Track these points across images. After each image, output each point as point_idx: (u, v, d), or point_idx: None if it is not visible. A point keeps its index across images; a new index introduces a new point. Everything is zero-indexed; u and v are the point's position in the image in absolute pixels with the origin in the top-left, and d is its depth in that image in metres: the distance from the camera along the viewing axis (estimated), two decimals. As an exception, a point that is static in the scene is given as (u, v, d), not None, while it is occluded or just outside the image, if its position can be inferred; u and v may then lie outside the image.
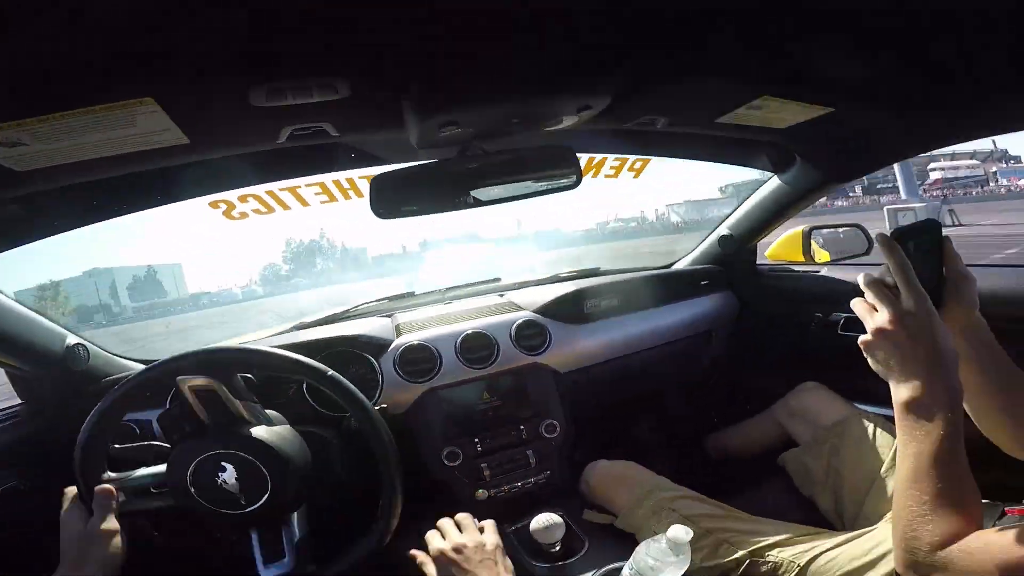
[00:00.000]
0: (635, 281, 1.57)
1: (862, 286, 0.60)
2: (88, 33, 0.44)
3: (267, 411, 0.97)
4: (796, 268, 1.56)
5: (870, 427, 1.10)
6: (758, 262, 1.66)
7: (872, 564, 0.79)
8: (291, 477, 0.85)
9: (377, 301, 1.60)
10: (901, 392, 0.58)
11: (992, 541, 0.50)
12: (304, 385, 1.20)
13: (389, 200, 0.88)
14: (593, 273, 1.66)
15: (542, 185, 0.95)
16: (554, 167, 0.93)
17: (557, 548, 1.02)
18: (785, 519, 0.98)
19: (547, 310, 1.42)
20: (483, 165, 0.88)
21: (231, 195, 1.01)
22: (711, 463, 1.57)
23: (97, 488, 0.80)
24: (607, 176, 1.22)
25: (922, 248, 0.60)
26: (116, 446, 0.92)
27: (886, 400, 1.24)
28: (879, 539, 0.83)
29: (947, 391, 0.55)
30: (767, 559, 0.89)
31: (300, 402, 1.20)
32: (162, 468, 0.86)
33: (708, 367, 1.70)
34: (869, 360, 0.61)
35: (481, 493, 1.22)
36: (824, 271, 1.47)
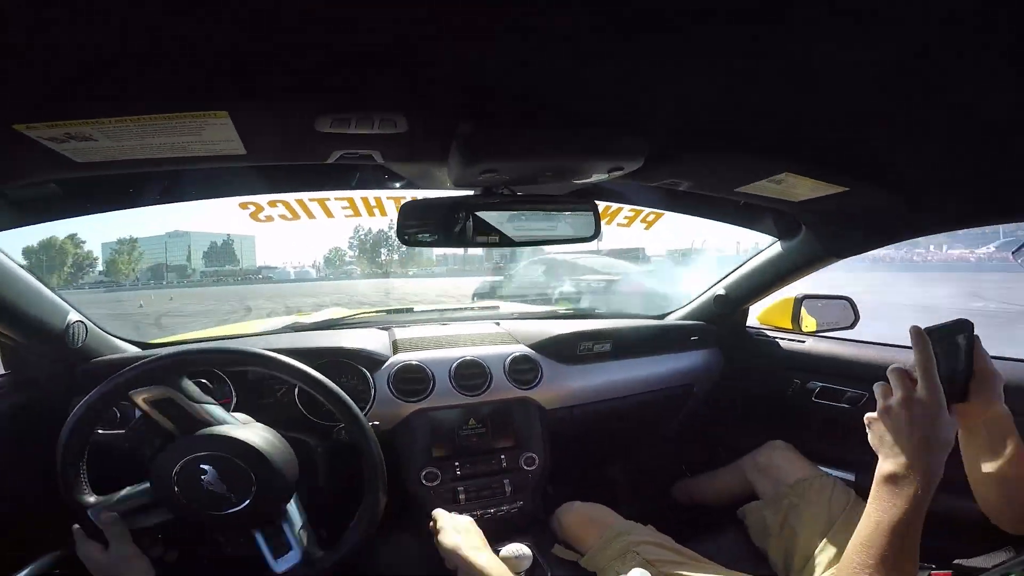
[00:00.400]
0: (629, 328, 1.60)
1: (888, 372, 0.66)
2: (180, 42, 0.46)
3: (237, 413, 0.99)
4: (782, 334, 1.61)
5: (828, 490, 1.16)
6: (748, 324, 1.71)
7: None
8: (272, 468, 0.87)
9: (376, 312, 1.60)
10: (886, 465, 0.64)
11: None
12: (296, 391, 1.19)
13: (413, 227, 0.89)
14: (589, 314, 1.69)
15: (561, 234, 0.98)
16: (575, 218, 0.95)
17: None
18: (739, 569, 1.03)
19: (542, 347, 1.44)
20: (507, 209, 0.90)
21: (261, 199, 1.02)
22: (677, 509, 1.60)
23: (102, 516, 0.82)
24: (620, 225, 1.26)
25: (953, 345, 0.67)
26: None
27: (846, 466, 1.29)
28: None
29: (926, 475, 0.61)
30: None
31: (289, 407, 1.19)
32: (146, 484, 0.86)
33: (685, 418, 1.74)
34: (869, 433, 0.68)
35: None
36: (809, 341, 1.52)
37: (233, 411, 1.11)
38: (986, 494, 0.73)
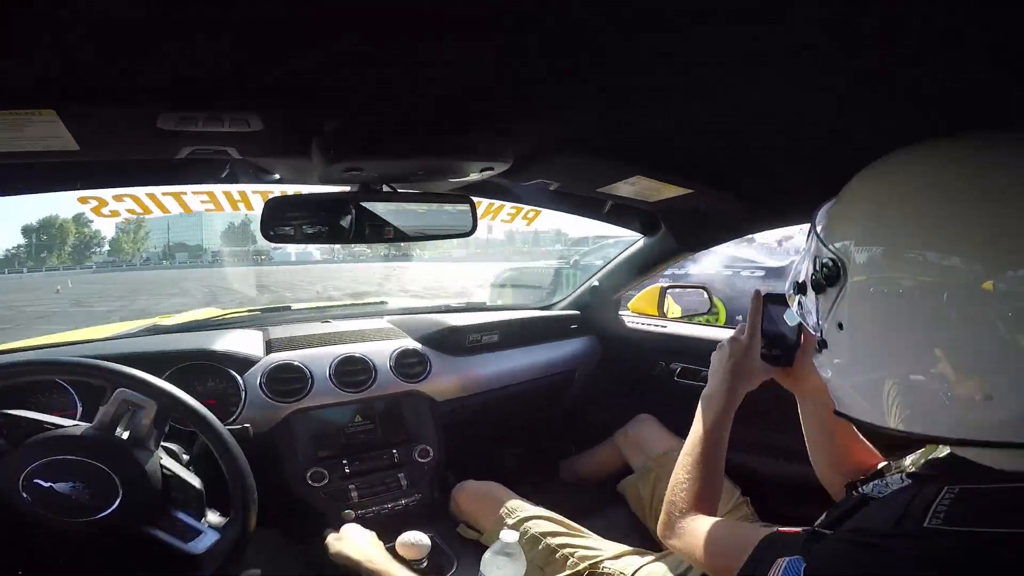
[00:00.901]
0: (515, 319, 1.66)
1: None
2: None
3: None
4: (650, 321, 1.78)
5: None
6: (620, 312, 1.86)
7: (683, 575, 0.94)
8: (134, 462, 0.81)
9: (248, 312, 1.49)
10: (706, 388, 0.81)
11: (711, 527, 0.68)
12: None
13: (280, 224, 0.86)
14: (477, 307, 1.73)
15: (438, 229, 0.99)
16: (452, 214, 0.98)
17: (424, 565, 1.05)
18: (628, 542, 1.11)
19: (431, 340, 1.45)
20: (382, 205, 0.90)
21: (105, 193, 0.91)
22: (568, 487, 1.70)
23: None
24: (503, 221, 1.31)
25: (780, 311, 0.79)
26: None
27: None
28: (677, 558, 0.98)
29: (727, 396, 0.78)
30: (603, 570, 1.01)
31: None
32: None
33: (570, 401, 1.85)
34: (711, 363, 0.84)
35: (347, 514, 1.20)
36: (671, 326, 1.70)
37: (79, 421, 1.01)
38: (816, 459, 0.84)
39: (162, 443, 0.91)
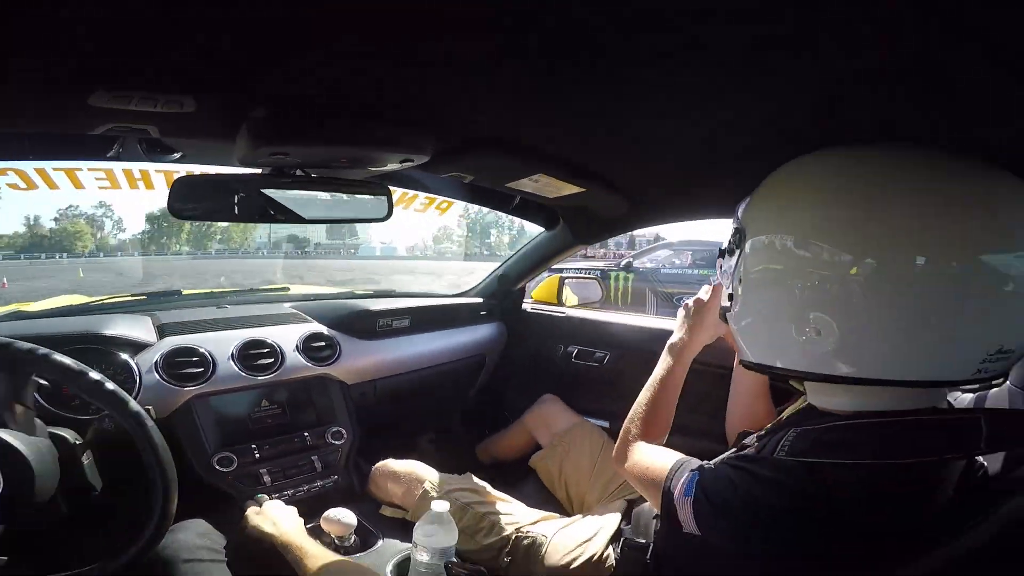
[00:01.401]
0: (425, 305, 1.72)
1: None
2: None
3: None
4: (550, 308, 1.94)
5: (590, 435, 1.42)
6: (525, 300, 2.00)
7: (593, 536, 1.06)
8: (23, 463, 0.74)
9: (131, 297, 1.38)
10: (672, 336, 0.97)
11: (650, 451, 0.84)
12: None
13: (190, 203, 0.84)
14: (389, 294, 1.76)
15: (354, 215, 1.03)
16: (368, 199, 1.01)
17: (351, 542, 1.07)
18: (538, 507, 1.22)
19: (339, 323, 1.46)
20: (297, 188, 0.92)
21: None
22: (482, 468, 1.78)
23: None
24: (416, 210, 1.36)
25: None
26: None
27: (602, 415, 1.61)
28: (599, 519, 1.12)
29: (687, 347, 0.95)
30: (527, 535, 1.10)
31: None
32: None
33: (481, 385, 1.95)
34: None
35: (261, 497, 1.17)
36: (568, 312, 1.87)
37: None
38: (732, 417, 1.01)
39: (51, 430, 0.85)
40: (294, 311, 1.47)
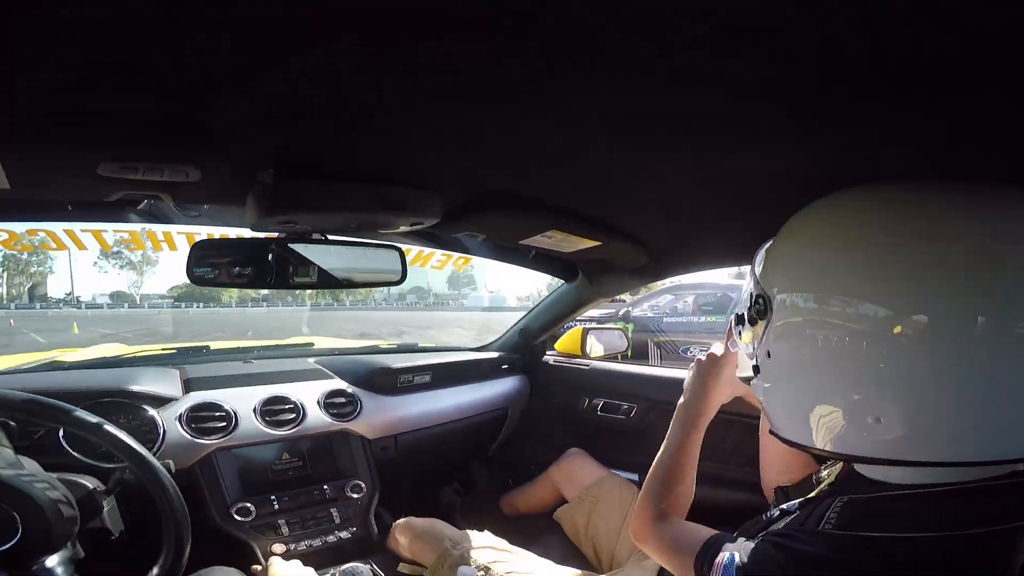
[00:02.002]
0: (447, 359, 1.70)
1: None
2: None
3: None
4: (573, 360, 1.89)
5: (618, 488, 1.36)
6: (548, 352, 1.96)
7: None
8: (42, 516, 0.76)
9: (162, 350, 1.43)
10: (684, 397, 0.88)
11: (675, 529, 0.76)
12: (61, 431, 1.03)
13: (206, 268, 0.87)
14: (410, 348, 1.76)
15: (368, 278, 1.04)
16: (382, 263, 1.03)
17: None
18: (561, 563, 1.16)
19: (360, 380, 1.46)
20: (312, 253, 0.94)
21: (17, 227, 0.87)
22: (506, 520, 1.71)
23: None
24: (434, 267, 1.37)
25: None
26: None
27: (630, 467, 1.54)
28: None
29: (701, 406, 0.85)
30: None
31: (52, 450, 1.01)
32: None
33: (504, 438, 1.90)
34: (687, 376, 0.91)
35: (278, 547, 1.18)
36: (593, 364, 1.81)
37: None
38: (766, 471, 0.93)
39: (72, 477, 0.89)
40: (317, 367, 1.48)
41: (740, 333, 0.67)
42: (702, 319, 6.41)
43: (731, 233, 1.07)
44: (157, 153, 0.60)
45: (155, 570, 0.86)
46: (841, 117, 0.54)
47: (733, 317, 0.71)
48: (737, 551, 0.59)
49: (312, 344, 1.65)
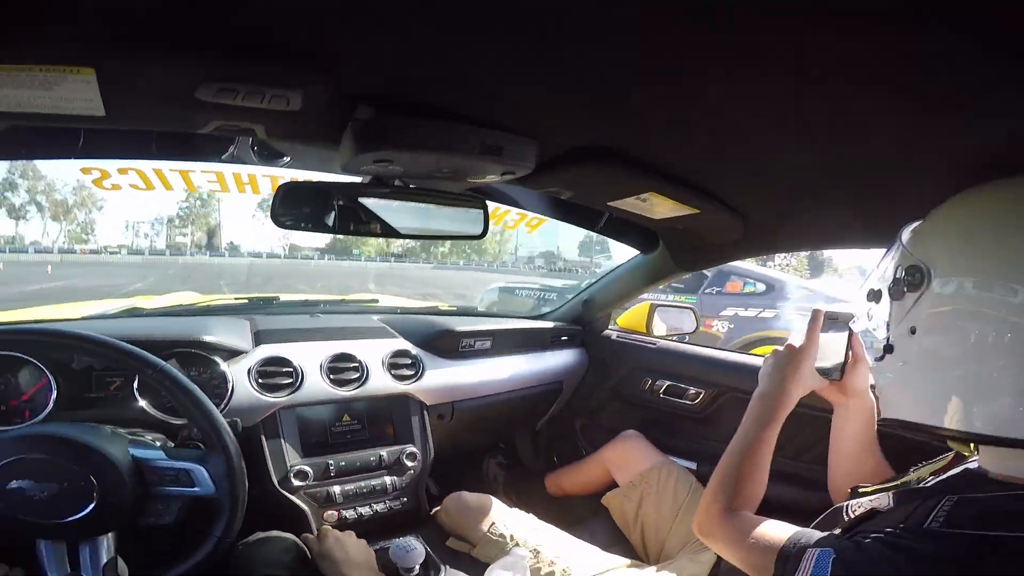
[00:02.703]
0: (508, 327, 1.66)
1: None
2: None
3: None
4: (639, 338, 1.80)
5: (674, 477, 1.31)
6: (610, 327, 1.88)
7: None
8: (119, 483, 0.77)
9: (234, 299, 1.45)
10: (760, 388, 0.87)
11: (750, 523, 0.72)
12: (136, 383, 1.04)
13: (292, 210, 0.84)
14: (469, 312, 1.72)
15: (450, 229, 0.99)
16: (465, 215, 0.97)
17: (415, 573, 1.02)
18: (606, 549, 1.14)
19: (424, 341, 1.44)
20: (397, 199, 0.89)
21: (110, 164, 0.87)
22: (549, 499, 1.69)
23: None
24: (507, 227, 1.30)
25: (836, 328, 0.88)
26: None
27: (689, 456, 1.48)
28: (676, 570, 1.03)
29: (782, 398, 0.83)
30: None
31: (126, 402, 1.04)
32: None
33: (555, 413, 1.85)
34: (761, 366, 0.90)
35: (330, 515, 1.17)
36: (661, 343, 1.73)
37: (54, 405, 0.96)
38: (836, 469, 0.90)
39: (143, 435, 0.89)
40: (382, 325, 1.46)
41: (870, 312, 0.66)
42: (669, 296, 5.59)
43: (850, 214, 0.97)
44: (258, 74, 0.55)
45: (213, 534, 0.84)
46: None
47: (863, 296, 0.68)
48: (831, 548, 0.56)
49: (376, 301, 1.64)
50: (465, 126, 0.73)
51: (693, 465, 1.45)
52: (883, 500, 0.64)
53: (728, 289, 5.36)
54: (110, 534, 0.81)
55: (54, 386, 0.98)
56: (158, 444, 0.89)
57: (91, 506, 0.75)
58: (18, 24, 0.42)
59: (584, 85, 0.62)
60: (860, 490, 0.72)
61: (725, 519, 0.76)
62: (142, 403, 1.04)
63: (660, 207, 1.04)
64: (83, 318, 1.22)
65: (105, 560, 0.80)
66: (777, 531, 0.67)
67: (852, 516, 0.66)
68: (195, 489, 0.82)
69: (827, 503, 0.82)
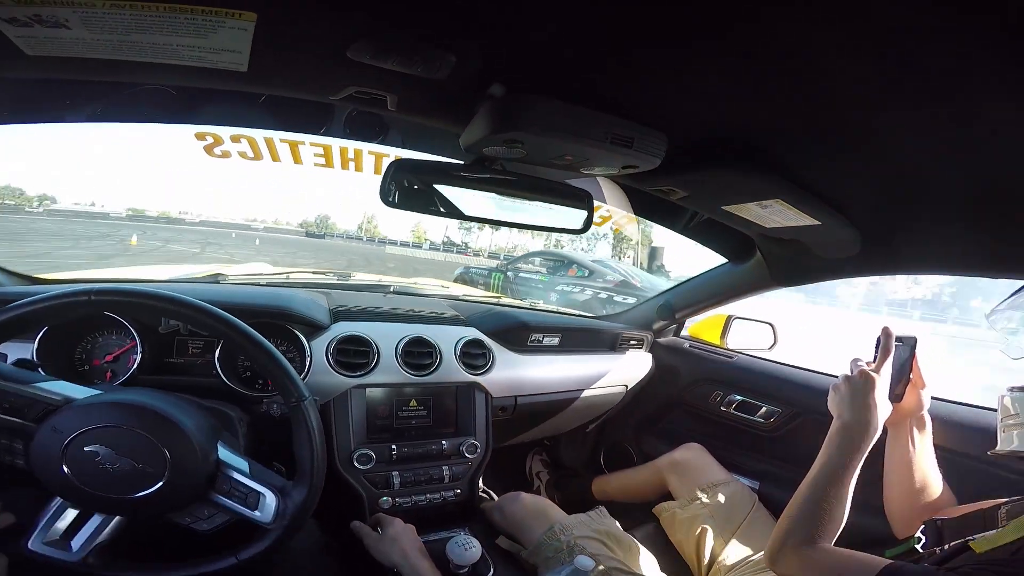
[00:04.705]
0: (577, 325, 1.60)
1: (851, 361, 0.88)
2: None
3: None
4: (713, 348, 1.71)
5: (736, 494, 1.26)
6: (681, 334, 1.80)
7: None
8: (185, 436, 0.72)
9: (313, 274, 1.45)
10: (840, 419, 0.83)
11: (830, 557, 0.72)
12: (217, 353, 1.04)
13: (401, 188, 0.81)
14: (536, 307, 1.67)
15: (552, 221, 0.94)
16: (567, 209, 0.92)
17: (465, 571, 1.00)
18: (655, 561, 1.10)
19: (496, 333, 1.40)
20: (505, 183, 0.85)
21: (223, 131, 0.85)
22: (594, 503, 1.64)
23: None
24: (594, 223, 1.24)
25: (900, 350, 0.88)
26: None
27: (752, 474, 1.40)
28: None
29: (866, 429, 0.80)
30: None
31: (205, 370, 1.04)
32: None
33: (610, 417, 1.79)
34: (831, 396, 0.87)
35: (384, 501, 1.15)
36: (738, 356, 1.63)
37: (137, 368, 0.95)
38: (894, 495, 0.87)
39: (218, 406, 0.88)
40: (455, 312, 1.43)
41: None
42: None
43: (986, 240, 0.88)
44: (412, 41, 0.52)
45: (235, 555, 0.78)
46: None
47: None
48: None
49: (447, 288, 1.61)
50: (599, 113, 0.68)
51: (756, 484, 1.39)
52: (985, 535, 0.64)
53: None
54: (220, 449, 0.77)
55: (139, 349, 0.98)
56: (243, 458, 0.81)
57: (149, 491, 0.71)
58: None
59: (742, 82, 0.58)
60: (939, 523, 0.73)
61: (802, 550, 0.75)
62: (221, 374, 1.03)
63: (779, 216, 0.96)
64: (171, 280, 1.24)
65: (100, 541, 0.75)
66: (864, 563, 0.66)
67: (946, 549, 0.67)
68: (255, 514, 0.76)
69: (877, 527, 0.84)
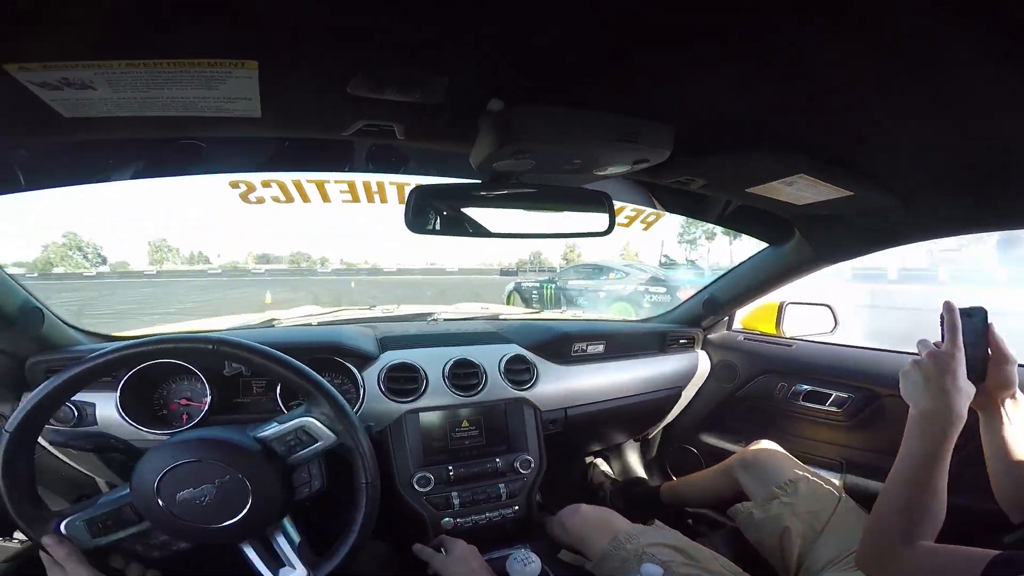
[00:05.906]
0: (621, 330, 1.59)
1: (917, 342, 0.81)
2: None
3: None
4: (769, 338, 1.64)
5: (817, 489, 1.18)
6: (733, 327, 1.74)
7: None
8: (271, 488, 0.78)
9: (358, 310, 1.53)
10: (918, 407, 0.76)
11: (931, 554, 0.67)
12: (278, 388, 1.11)
13: (424, 214, 0.85)
14: (578, 319, 1.67)
15: (575, 227, 0.95)
16: (589, 213, 0.93)
17: None
18: (738, 566, 1.04)
19: (537, 347, 1.41)
20: (524, 196, 0.87)
21: (254, 177, 0.94)
22: (666, 510, 1.58)
23: (44, 540, 0.73)
24: (620, 224, 1.24)
25: (970, 325, 0.78)
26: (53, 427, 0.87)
27: (832, 466, 1.31)
28: None
29: (949, 415, 0.72)
30: None
31: (269, 404, 1.11)
32: (124, 491, 0.76)
33: (670, 421, 1.74)
34: (902, 383, 0.79)
35: (447, 522, 1.17)
36: (798, 343, 1.56)
37: (208, 410, 1.03)
38: (1001, 480, 0.78)
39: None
40: (495, 330, 1.46)
41: None
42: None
43: None
44: (405, 71, 0.56)
45: (360, 483, 0.82)
46: None
47: None
48: None
49: (487, 309, 1.65)
50: (600, 113, 0.69)
51: (836, 476, 1.31)
52: None
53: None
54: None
55: (208, 392, 1.07)
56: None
57: (250, 499, 0.76)
58: (181, 12, 0.44)
59: (727, 59, 0.57)
60: None
61: (901, 550, 0.69)
62: (283, 407, 1.10)
63: (809, 191, 0.93)
64: (231, 328, 1.34)
65: (297, 542, 0.82)
66: (970, 557, 0.60)
67: None
68: (318, 443, 0.81)
69: (996, 511, 0.77)
